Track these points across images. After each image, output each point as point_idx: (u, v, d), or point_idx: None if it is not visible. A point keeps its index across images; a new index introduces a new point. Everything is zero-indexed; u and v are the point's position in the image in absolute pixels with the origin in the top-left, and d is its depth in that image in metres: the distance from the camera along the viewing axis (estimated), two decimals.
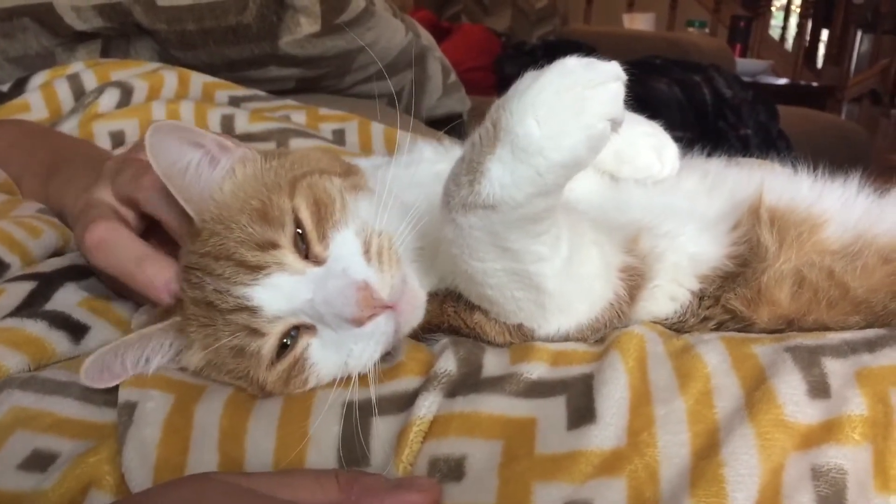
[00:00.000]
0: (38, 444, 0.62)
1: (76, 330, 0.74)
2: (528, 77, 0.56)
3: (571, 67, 0.56)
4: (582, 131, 0.55)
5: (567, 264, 0.64)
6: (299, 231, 0.65)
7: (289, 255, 0.64)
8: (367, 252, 0.65)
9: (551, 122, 0.54)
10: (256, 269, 0.64)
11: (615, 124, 0.56)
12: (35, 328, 0.71)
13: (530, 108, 0.54)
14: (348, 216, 0.67)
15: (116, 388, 0.65)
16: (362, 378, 0.63)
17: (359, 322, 0.63)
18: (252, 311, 0.64)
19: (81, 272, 0.81)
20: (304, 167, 0.71)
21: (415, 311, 0.68)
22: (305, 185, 0.68)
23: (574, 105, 0.54)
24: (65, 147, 1.09)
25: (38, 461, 0.61)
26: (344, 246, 0.66)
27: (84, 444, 0.62)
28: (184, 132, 0.67)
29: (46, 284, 0.77)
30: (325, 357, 0.65)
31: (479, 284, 0.65)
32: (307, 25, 1.48)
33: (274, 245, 0.64)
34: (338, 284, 0.63)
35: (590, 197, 0.79)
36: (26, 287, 0.76)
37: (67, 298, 0.76)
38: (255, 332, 0.64)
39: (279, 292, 0.64)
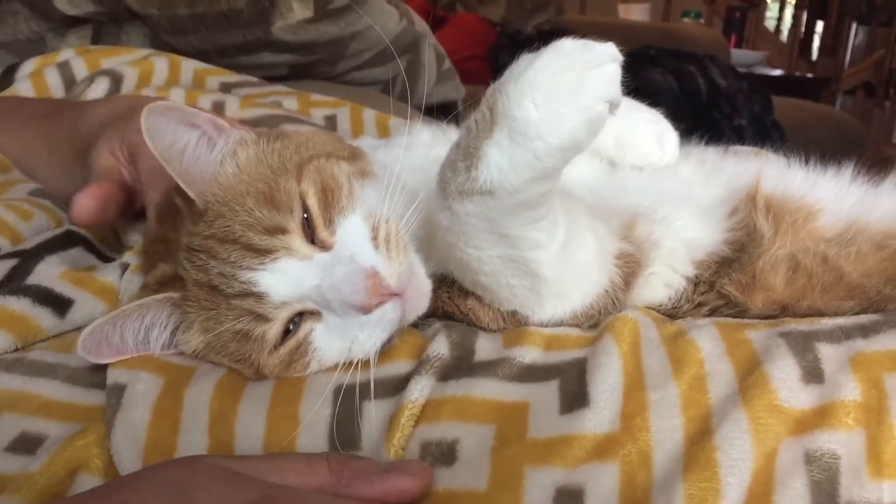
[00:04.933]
0: (25, 426, 0.61)
1: (60, 304, 0.73)
2: (525, 59, 0.56)
3: (568, 49, 0.55)
4: (581, 114, 0.54)
5: (563, 250, 0.64)
6: (305, 216, 0.64)
7: (297, 241, 0.63)
8: (374, 238, 0.64)
9: (549, 104, 0.54)
10: (264, 254, 0.62)
11: (613, 106, 0.55)
12: (19, 305, 0.71)
13: (528, 90, 0.54)
14: (355, 202, 0.66)
15: (105, 370, 0.64)
16: (360, 363, 0.63)
17: (366, 309, 0.62)
18: (258, 296, 0.63)
19: (62, 243, 0.80)
20: (310, 150, 0.70)
21: (420, 298, 0.67)
22: (313, 170, 0.67)
23: (572, 87, 0.54)
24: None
25: (26, 444, 0.60)
26: (351, 232, 0.65)
27: (72, 426, 0.61)
28: (178, 112, 0.66)
29: (27, 259, 0.76)
30: (329, 343, 0.64)
31: (474, 272, 0.64)
32: (300, 11, 1.47)
33: (282, 230, 0.63)
34: (346, 271, 0.62)
35: (586, 182, 0.78)
36: (8, 264, 0.75)
37: (48, 271, 0.75)
38: (261, 318, 0.63)
39: (286, 278, 0.63)
